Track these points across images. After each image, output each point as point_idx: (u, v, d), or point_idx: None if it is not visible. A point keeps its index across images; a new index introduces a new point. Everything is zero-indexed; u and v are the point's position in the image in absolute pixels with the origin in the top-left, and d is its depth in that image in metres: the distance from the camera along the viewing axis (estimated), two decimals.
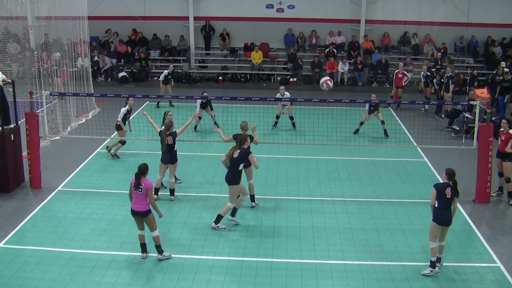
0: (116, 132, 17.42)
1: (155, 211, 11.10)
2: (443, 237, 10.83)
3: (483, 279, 10.73)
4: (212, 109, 20.31)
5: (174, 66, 25.31)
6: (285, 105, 20.30)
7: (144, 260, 11.21)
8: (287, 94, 19.78)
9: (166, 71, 23.42)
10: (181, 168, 15.38)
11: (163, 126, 14.02)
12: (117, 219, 13.02)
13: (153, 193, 12.35)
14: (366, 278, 10.71)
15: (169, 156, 13.87)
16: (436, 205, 10.57)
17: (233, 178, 12.49)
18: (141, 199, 10.89)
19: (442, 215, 10.56)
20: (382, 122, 19.37)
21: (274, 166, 16.51)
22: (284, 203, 14.05)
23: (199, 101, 19.61)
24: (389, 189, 15.09)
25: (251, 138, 13.20)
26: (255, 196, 13.88)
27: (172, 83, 24.11)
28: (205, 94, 19.29)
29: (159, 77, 23.77)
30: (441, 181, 10.96)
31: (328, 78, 18.51)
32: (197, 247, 11.79)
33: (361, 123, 19.68)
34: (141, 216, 10.97)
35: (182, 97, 17.56)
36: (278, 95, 19.45)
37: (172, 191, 14.16)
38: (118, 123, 16.93)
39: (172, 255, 11.36)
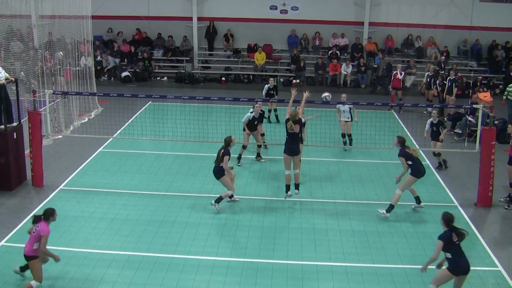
0: None
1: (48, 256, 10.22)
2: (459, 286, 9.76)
3: (484, 283, 10.73)
4: (262, 122, 17.63)
5: (272, 79, 22.13)
6: (346, 120, 18.39)
7: (145, 259, 11.21)
8: (349, 104, 18.10)
9: (267, 86, 21.32)
10: (183, 166, 15.37)
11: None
12: (118, 218, 13.03)
13: None
14: (367, 280, 10.71)
15: (294, 147, 13.75)
16: (449, 256, 9.41)
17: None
18: (30, 242, 9.87)
19: (458, 264, 9.44)
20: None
21: (277, 167, 16.50)
22: (286, 204, 14.04)
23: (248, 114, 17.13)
24: (391, 191, 15.01)
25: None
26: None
27: (276, 96, 21.08)
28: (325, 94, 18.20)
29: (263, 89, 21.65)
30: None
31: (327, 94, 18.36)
32: (198, 247, 11.79)
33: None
34: (26, 260, 9.96)
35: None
36: (338, 105, 18.32)
37: (297, 186, 14.13)
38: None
39: (174, 255, 11.37)
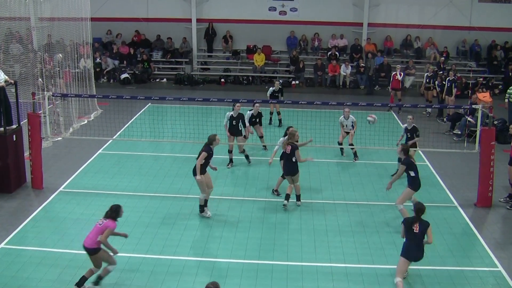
0: None
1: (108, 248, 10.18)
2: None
3: (484, 283, 10.73)
4: (261, 125, 18.31)
5: (278, 82, 21.53)
6: (347, 132, 17.87)
7: (145, 261, 11.21)
8: (352, 117, 17.77)
9: (272, 88, 21.03)
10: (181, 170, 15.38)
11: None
12: (118, 220, 12.99)
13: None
14: (367, 281, 10.71)
15: (288, 167, 13.79)
16: (404, 241, 10.22)
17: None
18: (94, 233, 9.95)
19: (409, 251, 10.11)
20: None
21: (277, 168, 16.47)
22: None
23: (248, 113, 17.85)
24: (391, 192, 15.04)
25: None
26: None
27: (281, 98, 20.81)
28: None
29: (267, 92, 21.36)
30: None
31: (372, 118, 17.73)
32: (198, 249, 11.80)
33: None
34: (88, 253, 10.00)
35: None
36: (341, 118, 17.83)
37: (298, 197, 14.09)
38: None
39: (174, 257, 11.37)
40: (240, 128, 16.77)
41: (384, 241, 12.31)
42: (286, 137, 14.60)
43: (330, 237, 12.44)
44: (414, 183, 12.88)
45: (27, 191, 14.81)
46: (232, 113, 16.66)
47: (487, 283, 10.74)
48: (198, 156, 13.08)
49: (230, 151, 16.82)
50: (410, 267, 11.15)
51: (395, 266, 11.12)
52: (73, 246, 11.72)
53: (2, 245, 11.78)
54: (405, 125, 16.28)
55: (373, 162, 17.41)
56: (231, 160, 16.83)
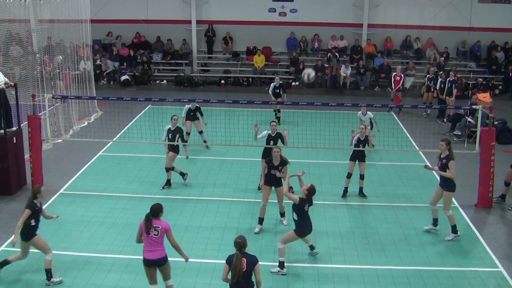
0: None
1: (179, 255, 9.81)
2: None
3: (485, 284, 10.72)
4: (202, 115, 18.21)
5: (280, 78, 21.77)
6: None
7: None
8: (370, 114, 17.80)
9: (273, 84, 21.10)
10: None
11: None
12: (118, 222, 13.02)
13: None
14: (368, 282, 10.70)
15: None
16: (296, 218, 11.06)
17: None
18: (158, 243, 9.44)
19: (302, 228, 11.13)
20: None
21: None
22: (286, 207, 14.00)
23: (186, 107, 18.16)
24: (391, 193, 15.09)
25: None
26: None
27: (285, 96, 21.35)
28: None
29: (269, 90, 21.46)
30: None
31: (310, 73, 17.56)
32: (199, 251, 11.78)
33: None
34: (158, 265, 9.52)
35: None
36: (359, 114, 17.92)
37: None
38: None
39: (174, 259, 11.34)
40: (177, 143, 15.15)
41: (384, 242, 12.29)
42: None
43: (331, 239, 12.43)
44: (452, 183, 12.36)
45: (28, 193, 14.67)
46: (170, 126, 15.14)
47: (488, 284, 10.73)
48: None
49: (168, 170, 15.28)
50: (411, 267, 11.19)
51: (396, 267, 11.18)
52: (74, 248, 11.73)
53: (2, 247, 11.80)
54: (358, 135, 14.73)
55: (373, 163, 17.38)
56: (168, 182, 15.32)
